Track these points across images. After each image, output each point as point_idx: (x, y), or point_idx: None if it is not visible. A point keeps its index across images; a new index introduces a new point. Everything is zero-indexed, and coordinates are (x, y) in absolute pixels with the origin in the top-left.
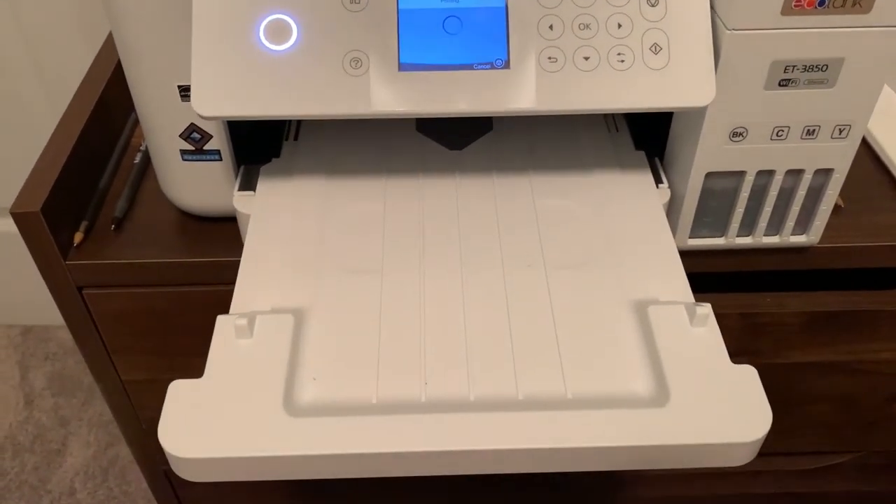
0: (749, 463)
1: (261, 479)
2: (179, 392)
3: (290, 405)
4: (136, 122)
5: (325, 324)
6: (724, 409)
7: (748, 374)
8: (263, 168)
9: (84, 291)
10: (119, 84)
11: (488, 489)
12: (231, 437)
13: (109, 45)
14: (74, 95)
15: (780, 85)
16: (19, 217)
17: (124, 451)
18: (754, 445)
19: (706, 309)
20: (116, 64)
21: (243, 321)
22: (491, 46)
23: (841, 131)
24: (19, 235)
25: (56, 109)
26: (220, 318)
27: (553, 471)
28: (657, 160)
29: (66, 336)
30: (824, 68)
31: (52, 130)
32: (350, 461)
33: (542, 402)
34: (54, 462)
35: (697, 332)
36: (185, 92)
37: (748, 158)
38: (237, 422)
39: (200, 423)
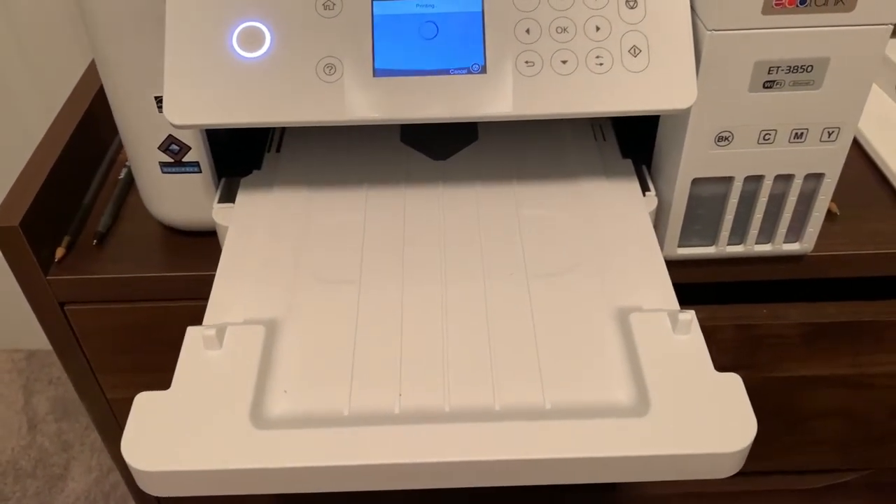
0: (752, 482)
1: (226, 494)
2: (145, 404)
3: (258, 417)
4: None
5: (298, 335)
6: (706, 418)
7: (732, 382)
8: (244, 180)
9: (66, 307)
10: (107, 100)
11: (476, 502)
12: (195, 450)
13: None
14: (61, 109)
15: (764, 87)
16: None
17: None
18: (739, 456)
19: (689, 315)
20: None
21: (212, 332)
22: (467, 51)
23: (830, 134)
24: None
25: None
26: (190, 330)
27: (530, 483)
28: (644, 168)
29: None
30: (809, 69)
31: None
32: (317, 474)
33: (519, 412)
34: (56, 487)
35: (680, 339)
36: (162, 103)
37: (735, 163)
38: (202, 434)
39: (165, 435)
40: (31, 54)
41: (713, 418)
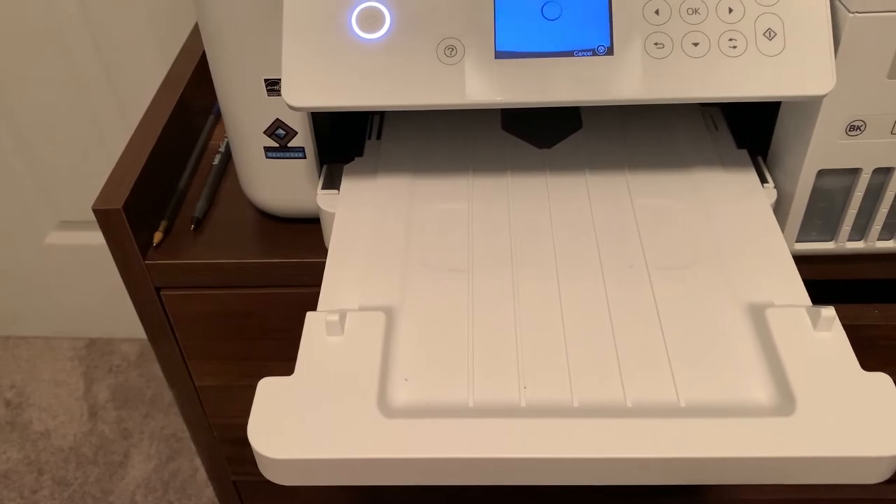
0: (852, 490)
1: (353, 484)
2: (269, 390)
3: (385, 406)
4: (215, 124)
5: (414, 323)
6: (858, 419)
7: (882, 382)
8: (346, 167)
9: (162, 292)
10: (198, 86)
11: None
12: (325, 438)
13: (188, 47)
14: (154, 96)
15: None
16: (101, 214)
17: (185, 465)
18: (894, 460)
19: (830, 312)
20: (196, 65)
21: (335, 317)
22: (593, 32)
23: None
24: (87, 248)
25: (124, 113)
26: (310, 315)
27: (667, 483)
28: (760, 159)
29: (130, 349)
30: None
31: (119, 133)
32: (448, 466)
33: (653, 409)
34: (116, 474)
35: (822, 336)
36: (271, 86)
37: (865, 154)
38: (331, 422)
39: (292, 422)
40: (103, 48)
41: (865, 419)
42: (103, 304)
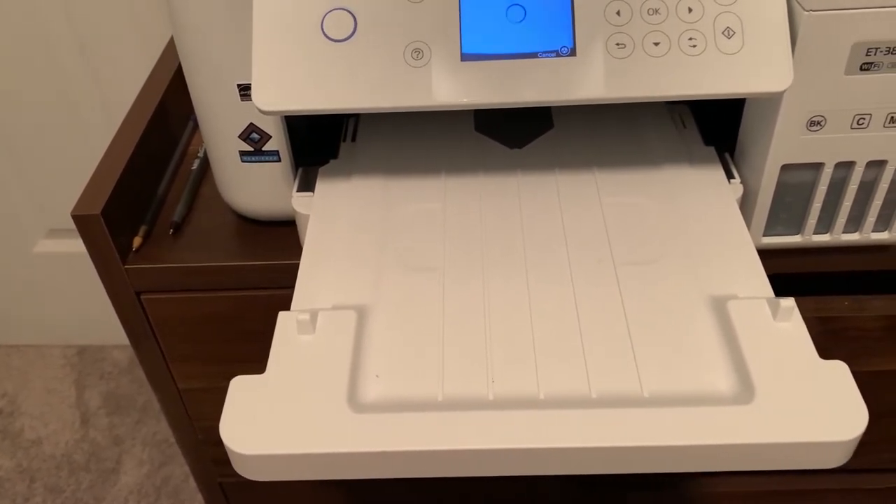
0: (824, 481)
1: (324, 479)
2: (241, 388)
3: (355, 402)
4: (194, 129)
5: (387, 320)
6: (816, 405)
7: (839, 370)
8: (321, 169)
9: (142, 297)
10: (177, 91)
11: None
12: (295, 434)
13: (169, 52)
14: (134, 102)
15: (861, 69)
16: (80, 220)
17: (177, 471)
18: (850, 445)
19: (790, 302)
20: (175, 71)
21: (305, 317)
22: (556, 34)
23: None
24: (76, 256)
25: (112, 121)
26: (282, 314)
27: (630, 472)
28: (727, 155)
29: (121, 356)
30: None
31: (106, 141)
32: (419, 458)
33: (617, 400)
34: (109, 480)
35: (782, 326)
36: (244, 91)
37: (827, 149)
38: (301, 418)
39: (263, 419)
40: (90, 54)
41: (823, 406)
42: (94, 311)
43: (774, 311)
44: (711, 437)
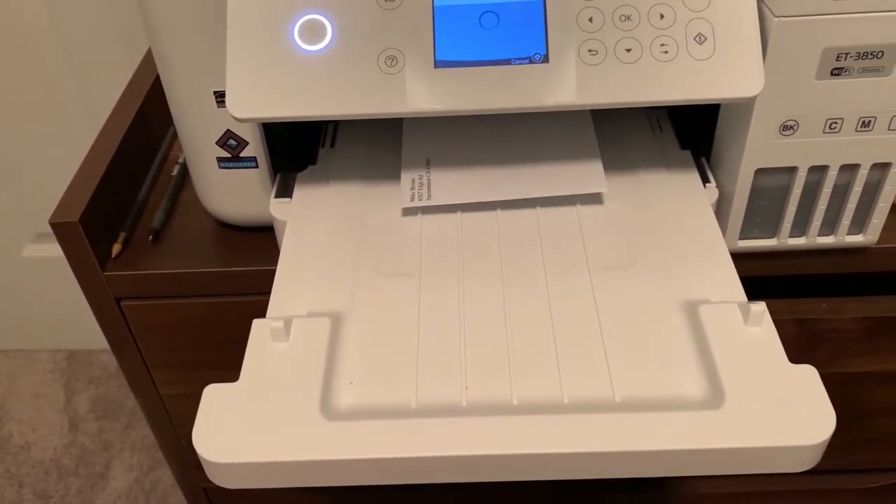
0: (804, 481)
1: (298, 486)
2: (214, 396)
3: (328, 409)
4: (175, 135)
5: (362, 327)
6: (784, 410)
7: (808, 374)
8: (300, 175)
9: (122, 303)
10: (158, 98)
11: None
12: (268, 442)
13: (149, 59)
14: (113, 109)
15: (832, 74)
16: (58, 227)
17: (166, 475)
18: (818, 449)
19: (760, 307)
20: (155, 78)
21: (279, 324)
22: (529, 40)
23: None
24: (64, 260)
25: (98, 126)
26: (256, 322)
27: (602, 476)
28: (703, 160)
29: (110, 360)
30: (880, 55)
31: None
32: (391, 465)
33: (589, 405)
34: (98, 485)
35: (752, 331)
36: (220, 98)
37: (800, 153)
38: (274, 426)
39: (236, 427)
40: (76, 58)
41: (791, 410)
42: (82, 315)
43: (745, 315)
44: (681, 443)
